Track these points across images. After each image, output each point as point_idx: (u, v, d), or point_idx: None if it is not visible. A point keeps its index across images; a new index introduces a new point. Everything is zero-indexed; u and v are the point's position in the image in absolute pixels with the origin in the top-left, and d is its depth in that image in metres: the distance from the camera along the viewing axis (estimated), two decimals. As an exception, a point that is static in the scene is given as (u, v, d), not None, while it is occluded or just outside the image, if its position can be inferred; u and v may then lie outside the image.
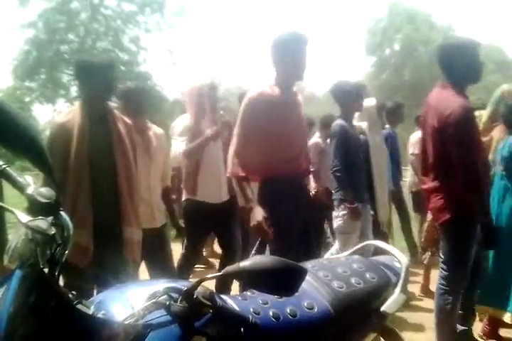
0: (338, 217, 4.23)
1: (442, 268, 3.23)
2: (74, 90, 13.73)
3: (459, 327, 3.42)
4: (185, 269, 4.13)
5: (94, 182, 2.90)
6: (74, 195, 2.84)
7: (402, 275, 2.05)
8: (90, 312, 1.39)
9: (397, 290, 1.99)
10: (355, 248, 2.34)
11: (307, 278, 1.54)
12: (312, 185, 6.27)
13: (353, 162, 4.10)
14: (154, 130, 3.72)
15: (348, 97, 4.23)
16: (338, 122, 4.26)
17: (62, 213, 1.51)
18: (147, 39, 14.37)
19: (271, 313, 1.66)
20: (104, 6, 14.09)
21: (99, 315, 1.40)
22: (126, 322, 1.36)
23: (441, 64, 3.25)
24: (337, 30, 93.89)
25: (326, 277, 1.93)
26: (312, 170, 6.19)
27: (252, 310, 1.65)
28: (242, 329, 1.54)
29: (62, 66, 13.49)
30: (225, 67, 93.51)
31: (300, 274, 1.44)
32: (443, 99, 3.11)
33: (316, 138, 6.30)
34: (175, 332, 1.40)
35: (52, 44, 13.08)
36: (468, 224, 3.03)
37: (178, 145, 4.06)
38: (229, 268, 1.45)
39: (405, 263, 2.10)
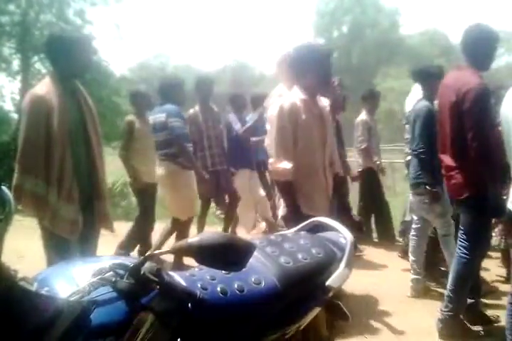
0: (417, 201, 4.30)
1: (462, 238, 3.44)
2: (16, 64, 13.18)
3: (468, 301, 3.59)
4: None
5: (72, 157, 2.90)
6: (59, 170, 2.83)
7: (347, 250, 2.09)
8: (33, 288, 1.36)
9: (342, 265, 2.03)
10: (301, 224, 2.37)
11: (255, 253, 1.55)
12: (360, 162, 6.53)
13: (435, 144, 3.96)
14: None
15: (432, 78, 4.22)
16: (424, 103, 4.23)
17: (3, 188, 1.46)
18: (93, 12, 13.92)
19: (218, 289, 1.67)
20: (47, -23, 13.51)
21: (43, 292, 1.37)
22: (71, 299, 1.34)
23: (465, 46, 3.47)
24: (286, 11, 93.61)
25: (274, 253, 1.95)
26: (363, 146, 6.37)
27: (199, 285, 1.65)
28: (189, 304, 1.54)
29: (3, 39, 12.89)
30: (173, 43, 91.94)
31: (248, 250, 1.45)
32: (461, 78, 3.33)
33: (363, 116, 6.44)
34: (121, 308, 1.39)
35: (-9, 15, 12.48)
36: (485, 200, 3.19)
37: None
38: (177, 244, 1.44)
39: (350, 238, 2.15)
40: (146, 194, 5.50)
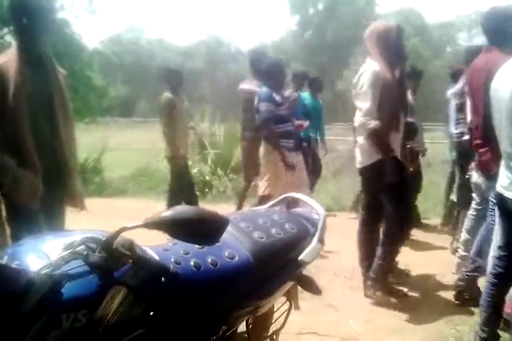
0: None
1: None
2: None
3: None
4: None
5: (34, 129, 2.84)
6: (17, 138, 2.79)
7: (320, 225, 2.11)
8: (3, 262, 1.33)
9: (315, 240, 2.05)
10: (275, 200, 2.38)
11: (229, 228, 1.55)
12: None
13: None
14: None
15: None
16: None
17: None
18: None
19: (192, 263, 1.67)
20: None
21: (13, 266, 1.35)
22: (42, 272, 1.32)
23: (487, 28, 3.55)
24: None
25: (248, 228, 1.96)
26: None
27: (173, 259, 1.64)
28: (162, 279, 1.54)
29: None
30: (146, 16, 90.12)
31: (221, 224, 1.44)
32: (490, 59, 3.36)
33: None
34: (93, 282, 1.37)
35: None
36: None
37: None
38: (149, 218, 1.43)
39: (323, 214, 2.17)
40: (184, 168, 5.91)
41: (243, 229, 1.95)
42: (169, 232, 1.41)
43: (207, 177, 8.63)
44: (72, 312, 1.32)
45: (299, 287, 2.17)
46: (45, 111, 2.92)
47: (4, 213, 2.94)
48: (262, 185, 5.10)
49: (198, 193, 8.23)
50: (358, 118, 3.75)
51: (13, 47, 2.94)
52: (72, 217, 3.31)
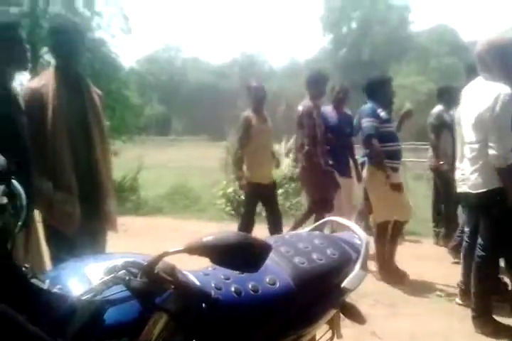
0: None
1: None
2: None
3: None
4: None
5: (71, 151, 2.85)
6: (55, 162, 2.79)
7: (363, 251, 2.05)
8: (45, 286, 1.32)
9: (357, 266, 1.99)
10: (315, 224, 2.33)
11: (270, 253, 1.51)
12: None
13: None
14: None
15: None
16: None
17: (15, 181, 1.42)
18: (101, 3, 13.87)
19: (233, 289, 1.64)
20: (56, -32, 13.47)
21: (55, 290, 1.34)
22: (83, 298, 1.31)
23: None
24: (295, 5, 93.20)
25: (288, 252, 1.92)
26: None
27: (213, 285, 1.62)
28: (203, 304, 1.51)
29: (12, 30, 12.87)
30: (182, 36, 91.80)
31: (264, 250, 1.41)
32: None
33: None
34: (134, 308, 1.35)
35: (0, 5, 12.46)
36: None
37: None
38: (191, 243, 1.41)
39: (365, 239, 2.11)
40: (255, 195, 5.24)
41: (284, 254, 1.91)
42: (211, 258, 1.38)
43: (242, 197, 8.60)
44: (114, 338, 1.30)
45: (341, 314, 2.11)
46: (81, 132, 2.93)
47: (42, 235, 2.94)
48: (375, 213, 4.84)
49: (232, 212, 8.25)
50: (495, 146, 3.28)
51: (50, 68, 2.99)
52: (108, 236, 3.30)
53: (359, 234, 2.14)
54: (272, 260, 1.82)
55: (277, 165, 5.66)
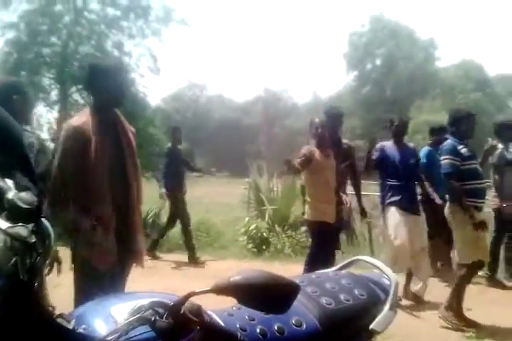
0: None
1: None
2: (54, 94, 13.49)
3: None
4: None
5: (111, 190, 2.87)
6: (95, 198, 2.80)
7: (391, 292, 2.00)
8: (71, 326, 1.32)
9: (386, 307, 1.94)
10: (343, 263, 2.30)
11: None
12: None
13: None
14: None
15: None
16: None
17: (44, 220, 1.43)
18: (130, 44, 14.27)
19: (258, 330, 1.61)
20: (88, 10, 13.93)
21: (80, 330, 1.33)
22: (109, 338, 1.29)
23: None
24: (319, 43, 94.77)
25: (315, 293, 1.88)
26: None
27: (238, 326, 1.59)
28: (229, 346, 1.48)
29: (43, 69, 13.24)
30: (207, 74, 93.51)
31: (293, 291, 1.39)
32: None
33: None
34: None
35: (33, 46, 12.85)
36: None
37: None
38: (219, 283, 1.39)
39: (394, 279, 2.06)
40: (319, 234, 4.94)
41: (310, 294, 1.87)
42: (238, 298, 1.36)
43: (264, 234, 8.53)
44: None
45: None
46: (118, 169, 2.94)
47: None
48: (458, 253, 4.61)
49: (254, 250, 8.17)
50: None
51: (87, 108, 3.03)
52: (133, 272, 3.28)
53: (387, 274, 2.10)
54: (298, 300, 1.78)
55: (340, 203, 5.25)
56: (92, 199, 2.79)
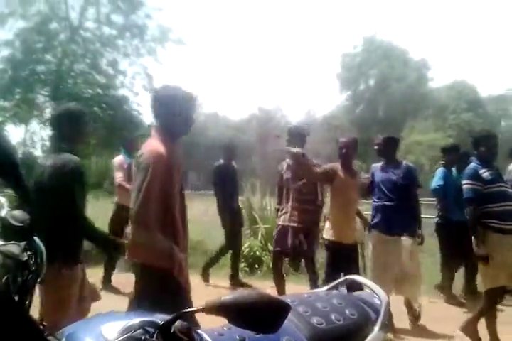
0: None
1: None
2: (48, 111, 13.55)
3: None
4: None
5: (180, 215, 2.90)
6: (173, 226, 2.80)
7: (382, 312, 2.01)
8: None
9: (377, 327, 1.95)
10: (334, 282, 2.30)
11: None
12: None
13: None
14: None
15: None
16: None
17: (36, 238, 1.44)
18: (125, 63, 14.36)
19: None
20: (83, 28, 14.06)
21: None
22: (99, 357, 1.29)
23: None
24: (313, 63, 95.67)
25: (306, 312, 1.89)
26: None
27: None
28: (218, 366, 1.48)
29: (38, 86, 13.29)
30: (202, 92, 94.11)
31: (283, 311, 1.39)
32: None
33: None
34: None
35: (28, 64, 12.91)
36: None
37: None
38: (209, 302, 1.39)
39: (385, 299, 2.07)
40: (335, 256, 4.82)
41: (301, 313, 1.88)
42: (229, 318, 1.37)
43: (257, 253, 8.49)
44: None
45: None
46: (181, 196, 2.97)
47: None
48: (482, 278, 4.55)
49: (247, 269, 8.11)
50: None
51: (156, 135, 2.96)
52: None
53: (378, 294, 2.11)
54: (289, 320, 1.78)
55: (365, 224, 5.23)
56: (170, 225, 2.79)
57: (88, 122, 3.57)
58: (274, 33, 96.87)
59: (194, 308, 1.39)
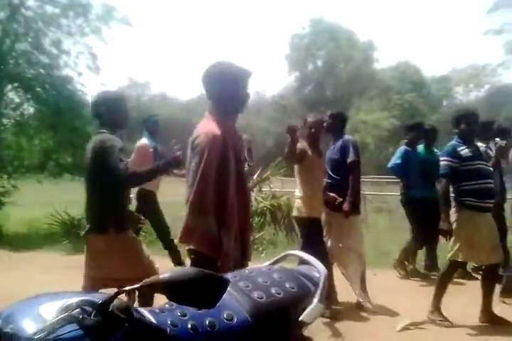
0: None
1: None
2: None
3: None
4: None
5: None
6: (229, 211, 2.71)
7: (321, 284, 2.07)
8: None
9: (316, 299, 2.01)
10: (275, 258, 2.35)
11: (228, 288, 1.52)
12: None
13: None
14: None
15: None
16: None
17: None
18: (69, 42, 13.84)
19: (189, 325, 1.63)
20: (24, 6, 13.52)
21: (7, 330, 1.32)
22: (36, 337, 1.29)
23: None
24: (261, 43, 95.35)
25: (247, 287, 1.92)
26: None
27: (169, 322, 1.61)
28: (159, 342, 1.50)
29: (-22, 66, 12.77)
30: (149, 73, 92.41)
31: (221, 286, 1.42)
32: None
33: None
34: None
35: (-35, 43, 12.38)
36: None
37: None
38: (147, 280, 1.41)
39: (324, 272, 2.13)
40: (310, 229, 4.82)
41: (242, 288, 1.91)
42: (167, 295, 1.39)
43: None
44: None
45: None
46: (237, 180, 2.86)
47: None
48: (451, 250, 4.50)
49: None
50: None
51: (210, 116, 2.85)
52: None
53: (318, 267, 2.17)
54: (229, 295, 1.82)
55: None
56: (225, 209, 2.68)
57: (127, 107, 3.65)
58: (223, 12, 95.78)
59: (132, 286, 1.41)
